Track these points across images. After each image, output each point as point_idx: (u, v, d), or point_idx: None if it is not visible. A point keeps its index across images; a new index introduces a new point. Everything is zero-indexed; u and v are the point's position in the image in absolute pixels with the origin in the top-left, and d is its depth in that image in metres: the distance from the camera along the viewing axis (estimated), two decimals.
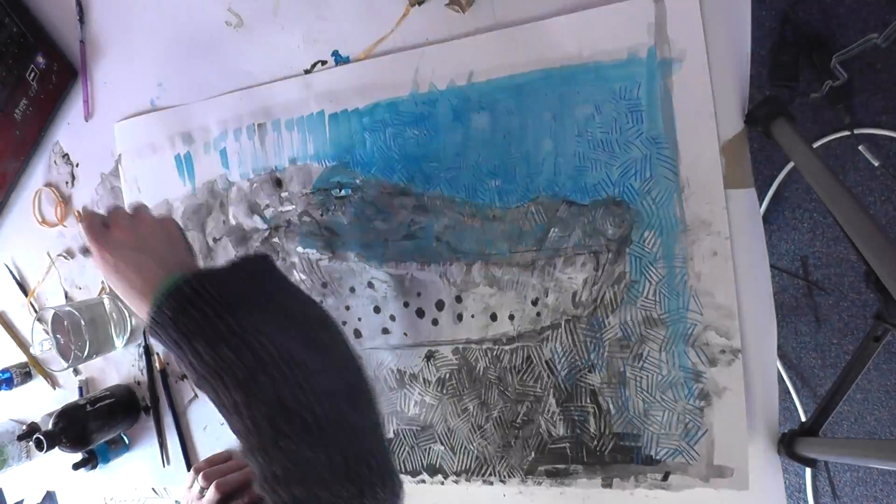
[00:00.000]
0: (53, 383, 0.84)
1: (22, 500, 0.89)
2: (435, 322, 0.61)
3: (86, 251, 0.52)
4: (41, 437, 0.67)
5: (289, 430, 0.39)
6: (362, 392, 0.44)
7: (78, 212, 0.78)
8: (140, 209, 0.52)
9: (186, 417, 0.74)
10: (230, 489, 0.62)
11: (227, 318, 0.42)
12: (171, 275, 0.45)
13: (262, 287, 0.46)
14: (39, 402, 0.84)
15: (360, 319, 0.64)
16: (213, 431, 0.72)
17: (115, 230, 0.50)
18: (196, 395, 0.73)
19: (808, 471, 1.20)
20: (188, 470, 0.73)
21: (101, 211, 0.52)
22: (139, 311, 0.47)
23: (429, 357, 0.62)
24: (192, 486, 0.64)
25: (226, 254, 0.70)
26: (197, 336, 0.42)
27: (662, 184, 0.53)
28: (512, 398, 0.59)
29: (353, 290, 0.64)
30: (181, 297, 0.43)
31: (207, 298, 0.43)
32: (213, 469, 0.65)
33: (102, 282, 0.77)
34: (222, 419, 0.70)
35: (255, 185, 0.68)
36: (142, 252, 0.48)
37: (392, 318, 0.63)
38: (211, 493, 0.61)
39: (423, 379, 0.62)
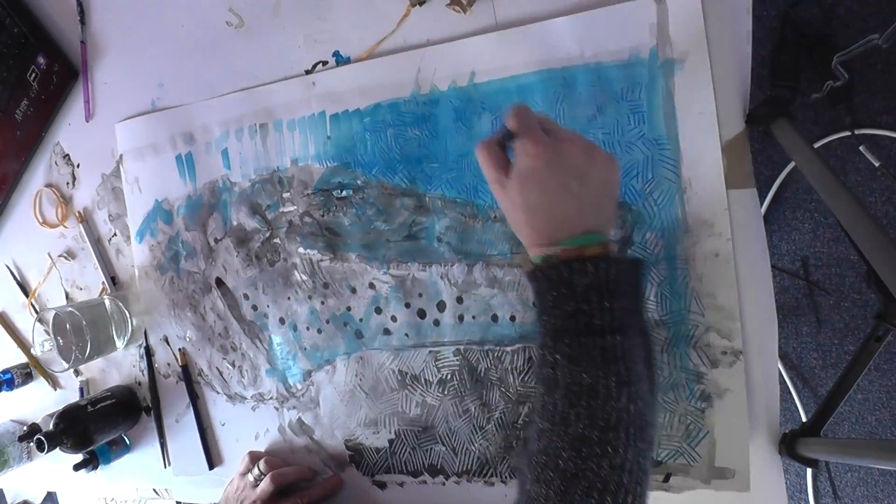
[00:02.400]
0: (54, 384, 0.84)
1: (23, 501, 0.89)
2: (436, 323, 0.61)
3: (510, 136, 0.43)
4: (42, 438, 0.67)
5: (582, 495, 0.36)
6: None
7: (79, 212, 0.78)
8: (578, 134, 0.44)
9: (205, 413, 0.74)
10: (285, 483, 0.62)
11: (614, 336, 0.39)
12: (597, 232, 0.40)
13: (642, 301, 0.42)
14: (40, 402, 0.84)
15: (361, 320, 0.64)
16: (232, 428, 0.72)
17: (563, 143, 0.41)
18: (198, 397, 0.73)
19: (809, 471, 1.20)
20: (209, 466, 0.73)
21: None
22: (535, 237, 0.41)
23: (430, 358, 0.62)
24: (245, 473, 0.64)
25: (227, 254, 0.70)
26: (577, 324, 0.38)
27: (664, 185, 0.53)
28: (513, 399, 0.59)
29: (354, 290, 0.64)
30: (593, 270, 0.39)
31: (608, 293, 0.39)
32: (275, 458, 0.64)
33: (103, 282, 0.77)
34: (238, 416, 0.70)
35: (256, 185, 0.68)
36: (585, 182, 0.40)
37: (393, 318, 0.63)
38: (266, 484, 0.61)
39: (425, 380, 0.62)
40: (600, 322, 0.39)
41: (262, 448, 0.70)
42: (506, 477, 0.60)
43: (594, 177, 0.41)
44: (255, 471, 0.63)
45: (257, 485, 0.62)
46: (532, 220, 0.42)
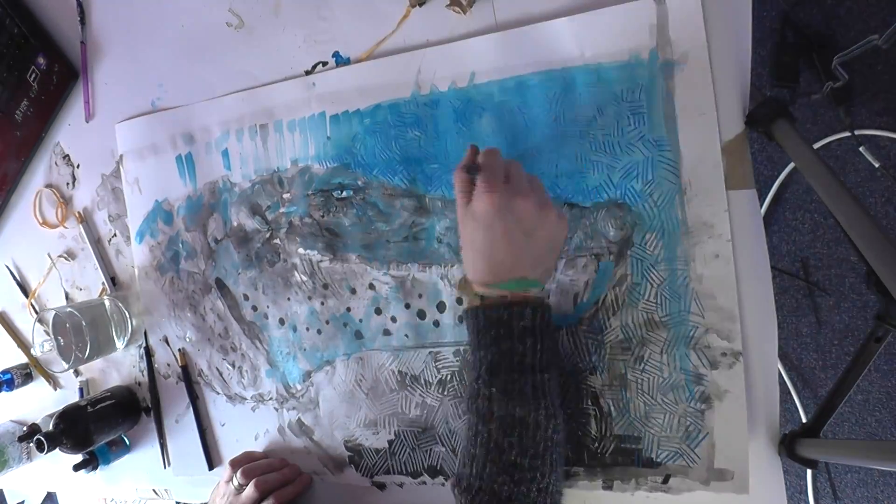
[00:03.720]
0: (54, 384, 0.84)
1: (23, 502, 0.89)
2: (436, 324, 0.61)
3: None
4: (42, 439, 0.67)
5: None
6: None
7: (79, 212, 0.78)
8: (536, 183, 0.47)
9: (205, 413, 0.74)
10: (270, 489, 0.62)
11: (542, 375, 0.44)
12: (534, 280, 0.45)
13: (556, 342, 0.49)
14: (40, 403, 0.84)
15: (361, 321, 0.64)
16: (231, 429, 0.72)
17: (517, 196, 0.44)
18: (198, 397, 0.73)
19: (809, 472, 1.20)
20: (209, 467, 0.73)
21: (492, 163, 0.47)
22: (475, 275, 0.46)
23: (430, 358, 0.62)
24: (229, 481, 0.64)
25: (227, 255, 0.70)
26: (511, 362, 0.44)
27: (664, 186, 0.52)
28: None
29: (354, 291, 0.64)
30: (531, 314, 0.44)
31: (541, 336, 0.44)
32: (252, 466, 0.64)
33: (103, 283, 0.77)
34: (238, 416, 0.70)
35: (256, 186, 0.68)
36: (530, 235, 0.45)
37: (393, 319, 0.63)
38: (251, 490, 0.61)
39: (425, 380, 0.62)
40: (531, 361, 0.44)
41: (260, 448, 0.70)
42: None
43: (540, 233, 0.45)
44: (235, 481, 0.63)
45: (241, 492, 0.62)
46: (475, 258, 0.46)
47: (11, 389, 0.82)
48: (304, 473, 0.67)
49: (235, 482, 0.63)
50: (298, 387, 0.68)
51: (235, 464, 0.64)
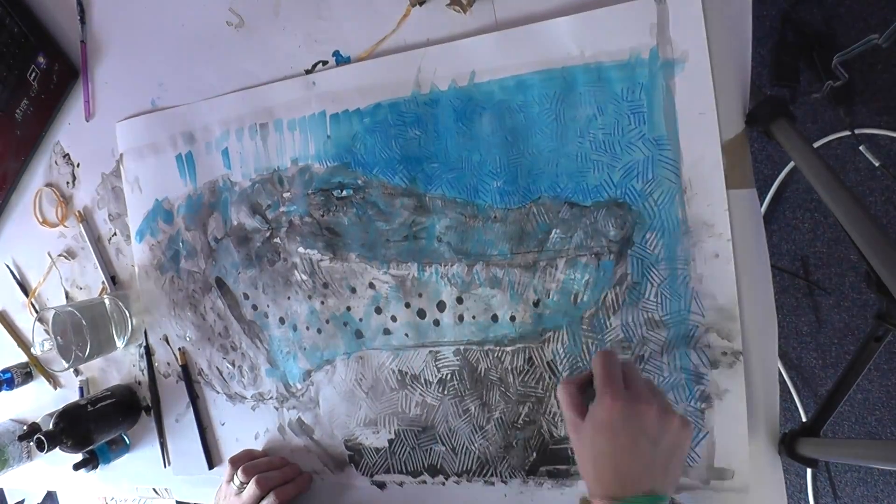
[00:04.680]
0: (54, 383, 0.84)
1: (23, 501, 0.89)
2: (436, 323, 0.61)
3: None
4: (42, 438, 0.67)
5: None
6: None
7: (79, 211, 0.78)
8: (654, 387, 0.45)
9: (205, 413, 0.74)
10: (271, 486, 0.62)
11: None
12: (664, 494, 0.41)
13: None
14: (40, 402, 0.84)
15: (361, 320, 0.64)
16: (231, 428, 0.72)
17: (641, 402, 0.42)
18: (198, 396, 0.73)
19: (809, 471, 1.20)
20: (209, 466, 0.73)
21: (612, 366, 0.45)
22: (601, 488, 0.42)
23: (430, 358, 0.62)
24: (230, 480, 0.64)
25: (228, 254, 0.70)
26: None
27: (664, 185, 0.52)
28: (513, 399, 0.59)
29: (354, 290, 0.64)
30: None
31: None
32: (253, 464, 0.64)
33: (103, 282, 0.77)
34: (238, 415, 0.70)
35: (256, 185, 0.68)
36: (656, 444, 0.41)
37: (393, 318, 0.63)
38: (252, 488, 0.61)
39: (425, 380, 0.62)
40: None
41: (259, 447, 0.70)
42: (506, 477, 0.60)
43: (665, 440, 0.42)
44: (236, 479, 0.63)
45: (242, 490, 0.62)
46: (598, 472, 0.42)
47: (11, 388, 0.82)
48: (305, 472, 0.68)
49: (237, 481, 0.63)
50: (298, 386, 0.68)
51: (235, 462, 0.65)
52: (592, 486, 0.43)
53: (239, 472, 0.63)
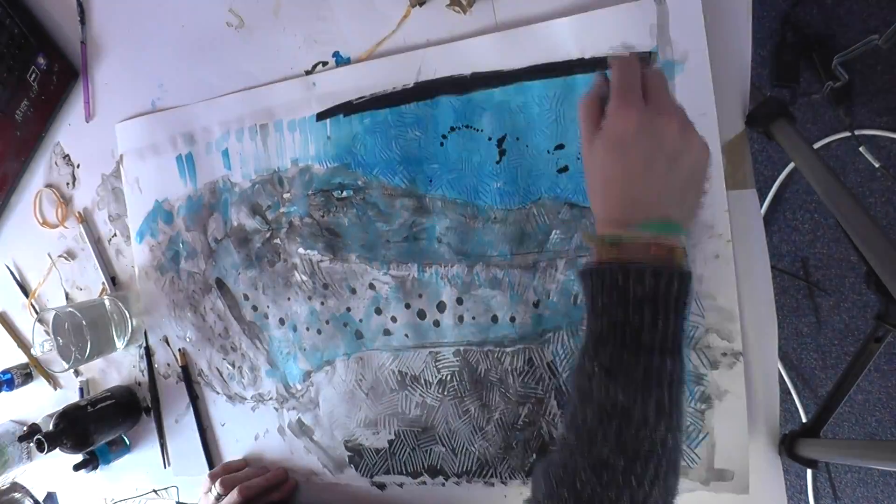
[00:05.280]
0: (54, 384, 0.84)
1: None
2: (436, 324, 0.61)
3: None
4: (42, 439, 0.67)
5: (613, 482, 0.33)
6: None
7: (79, 212, 0.78)
8: (677, 102, 0.38)
9: (205, 413, 0.74)
10: (254, 493, 0.62)
11: (664, 358, 0.34)
12: (678, 224, 0.36)
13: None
14: (40, 403, 0.84)
15: (361, 321, 0.64)
16: (231, 428, 0.72)
17: (660, 114, 0.36)
18: (198, 397, 0.73)
19: (809, 472, 1.20)
20: (209, 467, 0.73)
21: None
22: (606, 211, 0.37)
23: (430, 358, 0.62)
24: (208, 492, 0.64)
25: (228, 255, 0.70)
26: (622, 338, 0.34)
27: None
28: (513, 400, 0.59)
29: (354, 291, 0.64)
30: (678, 282, 0.34)
31: (667, 312, 0.34)
32: (231, 476, 0.65)
33: (103, 283, 0.77)
34: (238, 416, 0.70)
35: (256, 185, 0.68)
36: (673, 163, 0.35)
37: (393, 319, 0.63)
38: (234, 496, 0.61)
39: (425, 380, 0.62)
40: (649, 339, 0.35)
41: (259, 448, 0.70)
42: (505, 477, 0.60)
43: (684, 160, 0.36)
44: (213, 491, 0.63)
45: (219, 502, 0.63)
46: (607, 192, 0.37)
47: (11, 389, 0.82)
48: (290, 479, 0.68)
49: (214, 492, 0.63)
50: (298, 387, 0.68)
51: (214, 476, 0.65)
52: (600, 210, 0.38)
53: (216, 483, 0.63)
